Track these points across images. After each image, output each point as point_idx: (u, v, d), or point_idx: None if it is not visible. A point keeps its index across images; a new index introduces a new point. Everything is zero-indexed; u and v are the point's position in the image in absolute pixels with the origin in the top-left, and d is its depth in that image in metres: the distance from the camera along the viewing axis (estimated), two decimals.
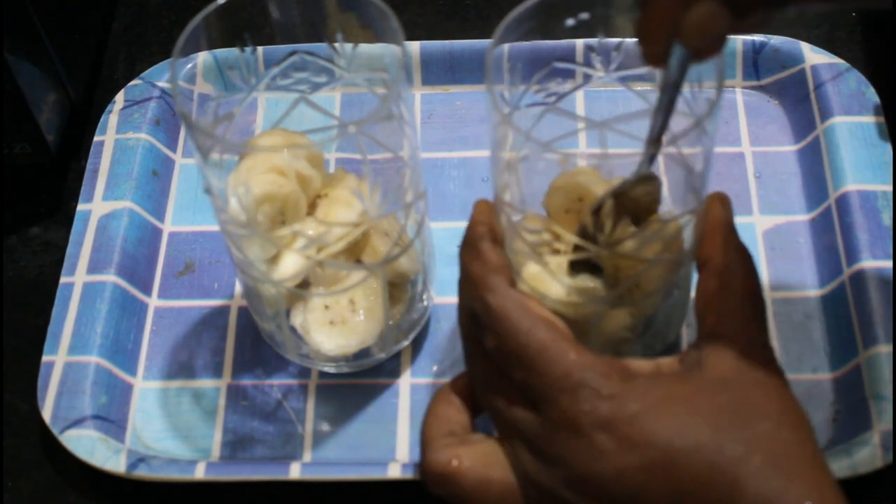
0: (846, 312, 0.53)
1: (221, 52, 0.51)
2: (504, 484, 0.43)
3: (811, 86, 0.61)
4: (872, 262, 0.54)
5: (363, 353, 0.52)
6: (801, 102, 0.62)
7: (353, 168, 0.51)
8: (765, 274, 0.56)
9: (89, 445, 0.51)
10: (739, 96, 0.63)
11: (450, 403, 0.46)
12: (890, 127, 0.59)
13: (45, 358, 0.54)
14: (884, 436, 0.48)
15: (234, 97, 0.50)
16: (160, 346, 0.56)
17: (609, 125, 0.48)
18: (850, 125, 0.59)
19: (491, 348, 0.43)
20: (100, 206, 0.59)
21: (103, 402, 0.53)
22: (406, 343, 0.54)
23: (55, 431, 0.51)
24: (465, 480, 0.43)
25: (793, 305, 0.55)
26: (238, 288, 0.58)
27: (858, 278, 0.54)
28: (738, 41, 0.63)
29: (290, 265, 0.48)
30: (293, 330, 0.51)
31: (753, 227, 0.58)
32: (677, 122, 0.44)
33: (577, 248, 0.46)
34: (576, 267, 0.46)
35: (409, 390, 0.54)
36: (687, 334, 0.54)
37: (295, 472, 0.49)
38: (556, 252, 0.47)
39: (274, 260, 0.48)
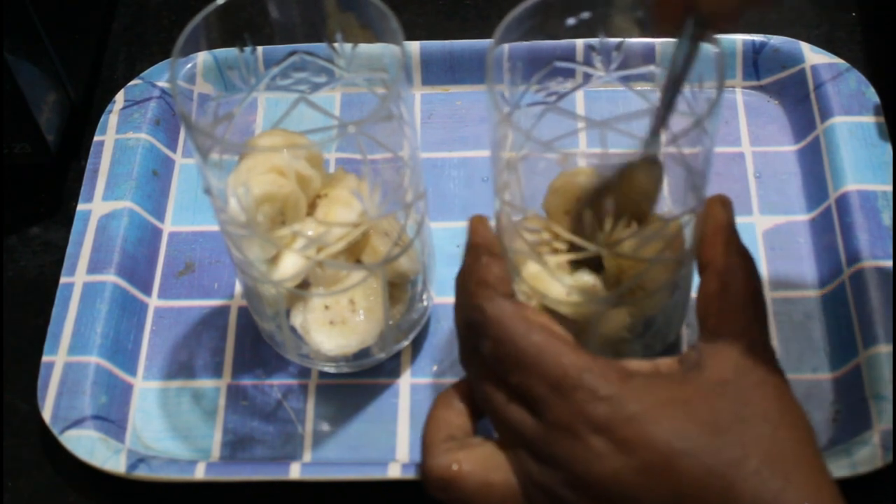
0: (846, 312, 0.53)
1: (221, 52, 0.51)
2: (505, 487, 0.43)
3: (811, 86, 0.61)
4: (872, 262, 0.54)
5: (363, 353, 0.52)
6: (801, 102, 0.62)
7: (353, 168, 0.51)
8: (765, 274, 0.56)
9: (89, 445, 0.51)
10: (739, 96, 0.63)
11: (451, 407, 0.46)
12: (890, 127, 0.59)
13: (45, 358, 0.54)
14: (884, 436, 0.48)
15: (234, 97, 0.50)
16: (160, 346, 0.56)
17: (609, 125, 0.48)
18: (850, 125, 0.59)
19: (487, 354, 0.43)
20: (100, 206, 0.59)
21: (103, 402, 0.53)
22: (406, 343, 0.54)
23: (55, 431, 0.51)
24: (466, 484, 0.43)
25: (793, 305, 0.55)
26: (238, 288, 0.58)
27: (858, 278, 0.54)
28: (738, 41, 0.63)
29: (290, 265, 0.48)
30: (293, 330, 0.51)
31: (753, 227, 0.58)
32: (677, 122, 0.44)
33: (574, 247, 0.46)
34: (577, 264, 0.46)
35: (409, 390, 0.54)
36: (687, 334, 0.54)
37: (295, 472, 0.49)
38: (556, 252, 0.47)
39: (274, 260, 0.48)
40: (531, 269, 0.47)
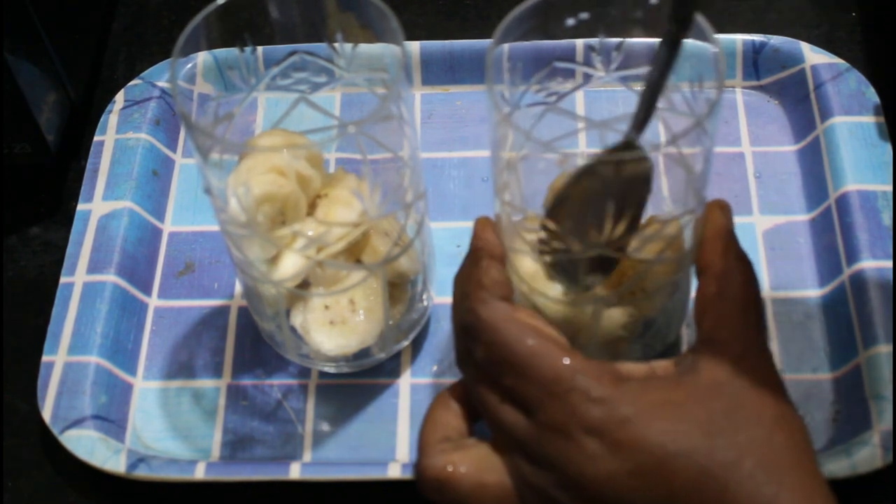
0: (846, 312, 0.53)
1: (221, 52, 0.51)
2: (499, 488, 0.43)
3: (811, 86, 0.61)
4: (872, 262, 0.54)
5: (363, 353, 0.52)
6: (801, 102, 0.62)
7: (353, 168, 0.51)
8: (765, 274, 0.56)
9: (89, 445, 0.51)
10: (739, 96, 0.63)
11: (447, 409, 0.46)
12: (890, 127, 0.59)
13: (45, 358, 0.54)
14: (884, 436, 0.48)
15: (234, 97, 0.50)
16: (160, 346, 0.56)
17: (609, 125, 0.49)
18: (850, 125, 0.59)
19: (480, 358, 0.43)
20: (100, 206, 0.59)
21: (103, 401, 0.53)
22: (406, 343, 0.54)
23: (55, 431, 0.51)
24: (461, 486, 0.43)
25: (793, 305, 0.55)
26: (238, 288, 0.58)
27: (858, 278, 0.54)
28: (738, 41, 0.63)
29: (290, 265, 0.48)
30: (293, 330, 0.51)
31: (753, 227, 0.58)
32: (677, 122, 0.44)
33: (555, 247, 0.46)
34: (591, 264, 0.46)
35: (409, 390, 0.54)
36: (687, 335, 0.54)
37: (295, 472, 0.49)
38: (556, 251, 0.47)
39: (274, 260, 0.48)
40: (530, 268, 0.47)
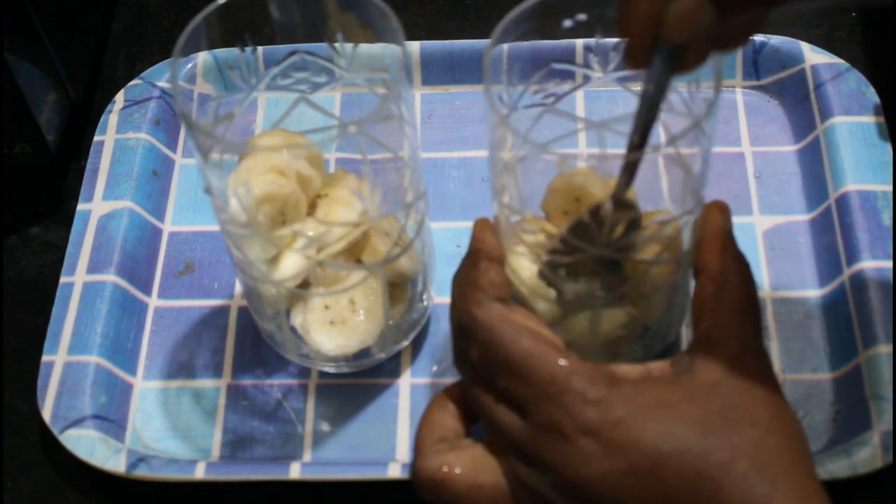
0: (846, 312, 0.53)
1: (221, 52, 0.51)
2: (494, 489, 0.43)
3: (811, 86, 0.61)
4: (872, 262, 0.54)
5: (363, 353, 0.52)
6: (801, 102, 0.62)
7: (353, 168, 0.51)
8: (765, 274, 0.56)
9: (89, 445, 0.51)
10: (739, 96, 0.63)
11: (444, 410, 0.46)
12: (890, 127, 0.59)
13: (45, 358, 0.54)
14: (884, 436, 0.48)
15: (234, 97, 0.50)
16: (160, 346, 0.56)
17: (607, 126, 0.48)
18: (850, 125, 0.59)
19: (475, 359, 0.43)
20: (100, 206, 0.59)
21: (103, 401, 0.53)
22: (406, 343, 0.54)
23: (55, 431, 0.51)
24: (456, 486, 0.43)
25: (793, 305, 0.55)
26: (238, 288, 0.58)
27: (858, 278, 0.54)
28: None
29: (291, 265, 0.48)
30: (293, 330, 0.51)
31: (753, 227, 0.58)
32: (676, 123, 0.44)
33: (566, 249, 0.46)
34: (598, 266, 0.46)
35: (409, 390, 0.54)
36: (686, 335, 0.54)
37: (295, 472, 0.49)
38: (554, 252, 0.47)
39: (274, 260, 0.48)
40: (529, 269, 0.47)
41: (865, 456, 0.48)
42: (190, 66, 0.60)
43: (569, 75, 0.49)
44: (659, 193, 0.47)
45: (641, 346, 0.49)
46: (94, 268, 0.57)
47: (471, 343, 0.43)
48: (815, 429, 0.51)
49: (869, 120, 0.59)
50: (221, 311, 0.57)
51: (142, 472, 0.50)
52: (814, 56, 0.62)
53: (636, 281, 0.46)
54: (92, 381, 0.53)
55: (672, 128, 0.45)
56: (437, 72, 0.64)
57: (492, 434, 0.44)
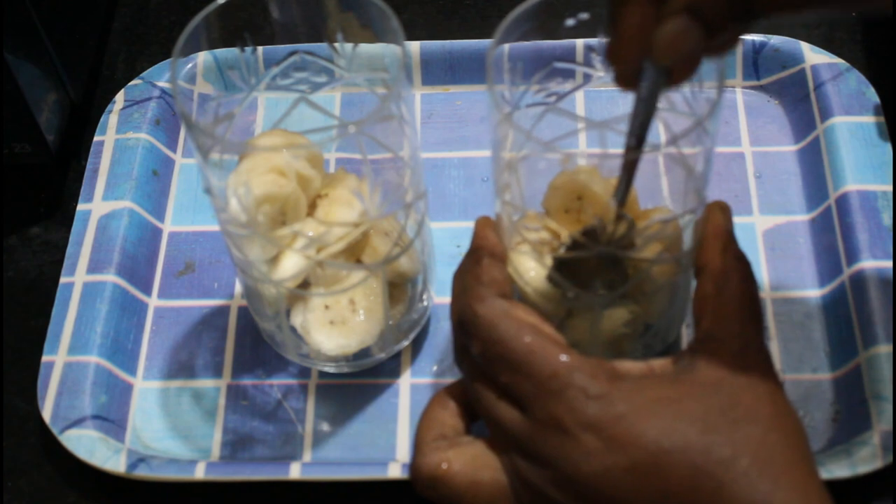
0: (846, 312, 0.53)
1: (221, 52, 0.51)
2: (494, 485, 0.43)
3: (811, 86, 0.61)
4: (872, 262, 0.54)
5: (363, 353, 0.52)
6: (801, 102, 0.62)
7: (353, 168, 0.51)
8: (765, 274, 0.56)
9: (89, 445, 0.51)
10: (739, 96, 0.63)
11: (444, 407, 0.46)
12: (890, 127, 0.59)
13: (45, 358, 0.54)
14: (884, 436, 0.48)
15: (234, 97, 0.50)
16: (160, 346, 0.56)
17: (609, 125, 0.49)
18: (850, 125, 0.59)
19: (476, 355, 0.43)
20: (100, 206, 0.59)
21: (103, 401, 0.53)
22: (406, 343, 0.54)
23: (55, 431, 0.51)
24: (455, 483, 0.43)
25: (793, 305, 0.55)
26: (238, 288, 0.58)
27: (858, 278, 0.54)
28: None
29: (291, 265, 0.48)
30: (293, 330, 0.51)
31: (753, 227, 0.58)
32: (677, 122, 0.44)
33: (572, 246, 0.46)
34: (598, 265, 0.46)
35: (409, 390, 0.54)
36: (687, 334, 0.54)
37: (295, 472, 0.49)
38: (556, 251, 0.47)
39: (274, 260, 0.48)
40: (532, 268, 0.47)
41: (865, 456, 0.48)
42: (190, 66, 0.60)
43: (571, 74, 0.49)
44: (660, 193, 0.47)
45: (642, 345, 0.49)
46: (94, 268, 0.56)
47: (472, 339, 0.43)
48: (815, 429, 0.51)
49: (869, 120, 0.59)
50: (221, 311, 0.57)
51: (142, 472, 0.50)
52: (814, 56, 0.62)
53: (638, 280, 0.46)
54: (92, 382, 0.53)
55: (674, 127, 0.45)
56: (437, 72, 0.64)
57: (492, 430, 0.44)
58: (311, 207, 0.49)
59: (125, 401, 0.54)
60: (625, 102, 0.43)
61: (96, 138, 0.62)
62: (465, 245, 0.48)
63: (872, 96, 0.60)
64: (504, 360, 0.42)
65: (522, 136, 0.42)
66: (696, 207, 0.45)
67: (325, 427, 0.53)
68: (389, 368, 0.54)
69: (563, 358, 0.41)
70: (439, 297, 0.55)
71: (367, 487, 0.50)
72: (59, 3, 0.61)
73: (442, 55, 0.64)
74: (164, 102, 0.63)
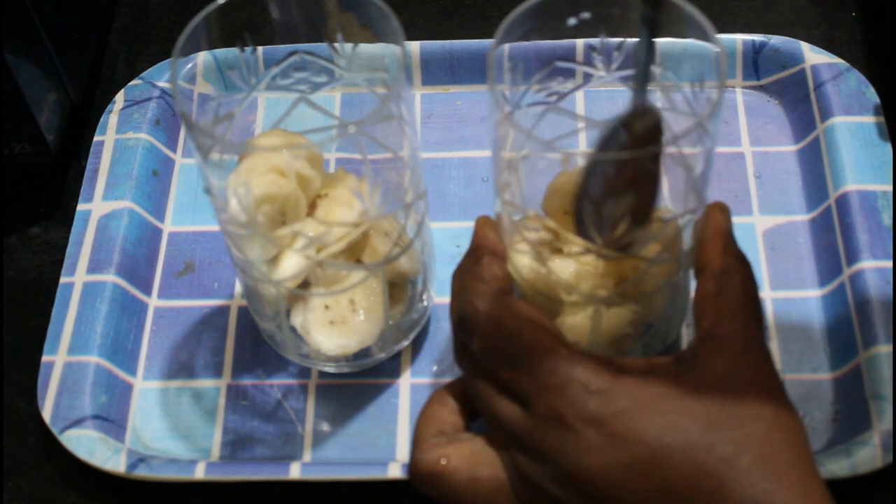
0: (846, 312, 0.53)
1: (221, 52, 0.51)
2: (493, 482, 0.43)
3: (811, 86, 0.61)
4: (872, 262, 0.54)
5: (363, 353, 0.52)
6: (801, 102, 0.62)
7: (353, 168, 0.51)
8: (765, 274, 0.56)
9: (89, 445, 0.51)
10: (739, 96, 0.63)
11: (444, 405, 0.46)
12: (890, 127, 0.59)
13: (45, 358, 0.54)
14: (884, 436, 0.48)
15: (234, 97, 0.50)
16: (160, 346, 0.56)
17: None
18: (850, 125, 0.59)
19: (476, 352, 0.43)
20: (100, 206, 0.59)
21: (103, 401, 0.53)
22: (406, 343, 0.54)
23: (55, 431, 0.51)
24: (454, 479, 0.43)
25: (793, 305, 0.55)
26: (238, 288, 0.58)
27: (858, 278, 0.54)
28: (738, 41, 0.63)
29: (291, 265, 0.48)
30: (293, 330, 0.51)
31: (753, 227, 0.58)
32: (678, 122, 0.44)
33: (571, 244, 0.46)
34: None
35: (409, 390, 0.54)
36: (687, 334, 0.54)
37: (295, 472, 0.49)
38: (557, 251, 0.47)
39: (274, 260, 0.48)
40: (531, 267, 0.47)
41: (865, 456, 0.48)
42: (190, 66, 0.60)
43: (571, 74, 0.49)
44: (660, 193, 0.47)
45: (642, 345, 0.49)
46: (94, 268, 0.56)
47: (472, 335, 0.43)
48: (815, 429, 0.51)
49: (869, 120, 0.59)
50: (221, 311, 0.57)
51: (142, 472, 0.50)
52: (814, 56, 0.62)
53: (638, 279, 0.46)
54: (92, 382, 0.53)
55: (675, 127, 0.45)
56: (437, 72, 0.64)
57: (492, 427, 0.44)
58: (311, 207, 0.49)
59: (125, 401, 0.54)
60: (625, 102, 0.43)
61: (96, 138, 0.62)
62: (465, 245, 0.48)
63: (872, 96, 0.60)
64: (505, 356, 0.42)
65: (523, 135, 0.42)
66: (696, 207, 0.45)
67: (325, 427, 0.53)
68: (389, 368, 0.54)
69: (565, 353, 0.41)
70: (439, 297, 0.55)
71: (367, 487, 0.50)
72: (59, 3, 0.61)
73: (442, 55, 0.64)
74: (164, 102, 0.63)
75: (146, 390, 0.55)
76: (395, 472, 0.49)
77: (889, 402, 0.49)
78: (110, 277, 0.56)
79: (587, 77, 0.50)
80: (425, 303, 0.54)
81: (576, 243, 0.45)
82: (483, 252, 0.45)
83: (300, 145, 0.49)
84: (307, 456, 0.52)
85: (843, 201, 0.56)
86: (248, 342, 0.56)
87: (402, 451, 0.52)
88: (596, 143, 0.42)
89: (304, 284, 0.49)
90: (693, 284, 0.46)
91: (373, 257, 0.49)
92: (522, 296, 0.48)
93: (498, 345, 0.42)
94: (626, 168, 0.41)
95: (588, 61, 0.49)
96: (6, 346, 0.57)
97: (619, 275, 0.46)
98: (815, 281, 0.56)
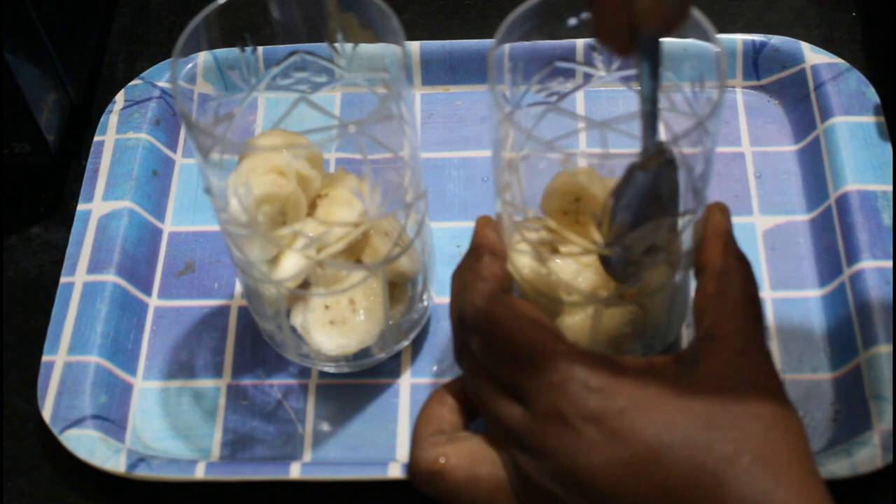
0: (846, 312, 0.53)
1: (221, 52, 0.51)
2: (492, 480, 0.43)
3: (811, 86, 0.61)
4: (872, 262, 0.54)
5: (363, 353, 0.52)
6: (801, 102, 0.62)
7: (353, 168, 0.51)
8: (765, 274, 0.56)
9: (89, 445, 0.51)
10: (739, 96, 0.63)
11: (443, 403, 0.46)
12: (890, 127, 0.59)
13: (45, 358, 0.54)
14: (884, 436, 0.48)
15: (234, 97, 0.50)
16: (160, 346, 0.56)
17: (610, 125, 0.49)
18: (851, 125, 0.59)
19: (476, 350, 0.43)
20: (100, 206, 0.59)
21: (103, 401, 0.53)
22: (406, 343, 0.54)
23: (55, 431, 0.51)
24: (453, 478, 0.43)
25: (793, 305, 0.55)
26: (238, 288, 0.58)
27: (858, 278, 0.54)
28: (738, 41, 0.63)
29: (291, 265, 0.48)
30: (293, 330, 0.51)
31: (753, 227, 0.58)
32: (678, 122, 0.44)
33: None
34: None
35: (409, 390, 0.54)
36: (687, 334, 0.54)
37: (295, 472, 0.49)
38: (557, 251, 0.47)
39: (274, 260, 0.48)
40: (532, 267, 0.47)
41: (865, 456, 0.48)
42: (190, 66, 0.60)
43: (571, 74, 0.49)
44: None
45: (642, 345, 0.49)
46: (94, 268, 0.56)
47: (472, 333, 0.43)
48: (815, 429, 0.51)
49: (869, 120, 0.59)
50: (221, 311, 0.57)
51: (142, 472, 0.50)
52: (814, 56, 0.62)
53: (637, 279, 0.46)
54: (92, 381, 0.53)
55: (675, 127, 0.45)
56: (437, 72, 0.64)
57: (491, 426, 0.44)
58: (311, 207, 0.49)
59: (125, 401, 0.54)
60: (627, 102, 0.43)
61: (96, 138, 0.62)
62: (465, 245, 0.48)
63: (872, 96, 0.60)
64: (505, 354, 0.42)
65: (523, 135, 0.42)
66: (696, 207, 0.45)
67: (325, 427, 0.53)
68: (389, 368, 0.54)
69: (565, 351, 0.41)
70: (439, 297, 0.55)
71: (367, 487, 0.50)
72: (59, 3, 0.61)
73: (442, 55, 0.64)
74: (164, 102, 0.63)
75: (146, 390, 0.55)
76: (395, 472, 0.49)
77: (889, 402, 0.49)
78: (110, 277, 0.56)
79: (587, 77, 0.50)
80: (425, 303, 0.54)
81: (576, 243, 0.45)
82: (483, 251, 0.45)
83: (300, 145, 0.49)
84: (307, 456, 0.52)
85: (843, 201, 0.56)
86: (248, 342, 0.56)
87: (402, 451, 0.52)
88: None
89: (305, 284, 0.49)
90: (693, 284, 0.46)
91: (373, 257, 0.49)
92: (522, 295, 0.48)
93: (498, 343, 0.42)
94: (651, 207, 0.42)
95: (588, 61, 0.49)
96: (6, 346, 0.57)
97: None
98: (816, 281, 0.56)
